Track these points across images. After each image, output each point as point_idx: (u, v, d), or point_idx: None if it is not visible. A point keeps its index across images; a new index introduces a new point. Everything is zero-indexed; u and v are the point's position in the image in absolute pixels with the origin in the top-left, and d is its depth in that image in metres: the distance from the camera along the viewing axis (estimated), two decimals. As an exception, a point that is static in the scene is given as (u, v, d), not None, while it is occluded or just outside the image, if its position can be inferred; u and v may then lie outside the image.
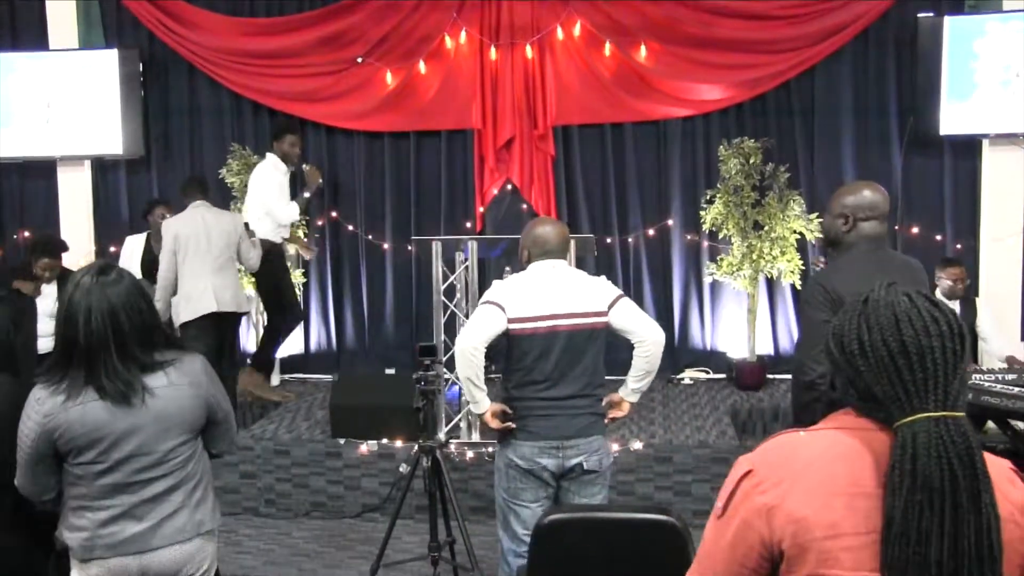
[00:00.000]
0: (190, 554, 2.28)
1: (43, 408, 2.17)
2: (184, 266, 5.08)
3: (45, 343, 5.17)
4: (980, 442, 1.32)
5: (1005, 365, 4.93)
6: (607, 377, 3.21)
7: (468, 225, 6.35)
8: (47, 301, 5.19)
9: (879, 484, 1.32)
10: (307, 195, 5.84)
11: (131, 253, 5.85)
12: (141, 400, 2.19)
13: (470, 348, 3.02)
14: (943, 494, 1.27)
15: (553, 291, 3.09)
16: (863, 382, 1.38)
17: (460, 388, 4.54)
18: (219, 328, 5.12)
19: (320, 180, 5.95)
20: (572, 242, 4.67)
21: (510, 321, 3.04)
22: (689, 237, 6.31)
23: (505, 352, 3.12)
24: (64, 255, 5.28)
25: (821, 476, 1.35)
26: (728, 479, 1.44)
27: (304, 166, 5.92)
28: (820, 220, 3.17)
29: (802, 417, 2.96)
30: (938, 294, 5.26)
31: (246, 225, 5.36)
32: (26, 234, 6.69)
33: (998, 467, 1.38)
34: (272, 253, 5.58)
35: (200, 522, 2.30)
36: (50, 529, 2.34)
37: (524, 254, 3.22)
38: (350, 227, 6.57)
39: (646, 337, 3.09)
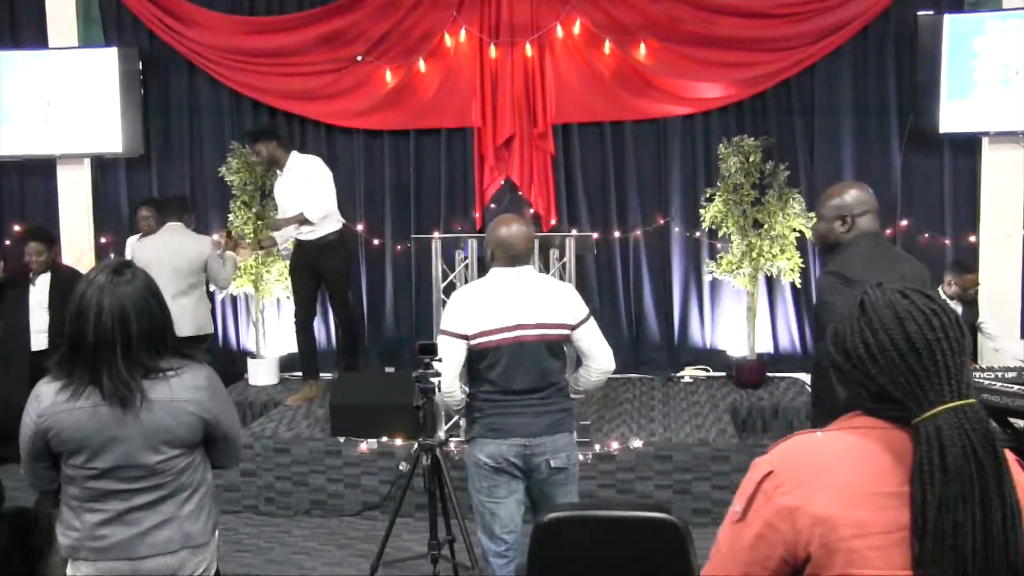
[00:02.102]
0: (177, 565, 2.23)
1: (40, 407, 2.15)
2: None
3: (39, 340, 5.18)
4: (996, 428, 1.33)
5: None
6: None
7: (468, 223, 6.35)
8: (39, 293, 5.19)
9: (902, 482, 1.32)
10: None
11: (128, 253, 5.87)
12: (138, 406, 2.12)
13: (447, 391, 3.16)
14: (973, 483, 1.28)
15: (517, 301, 3.08)
16: (876, 384, 1.38)
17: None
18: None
19: None
20: (571, 242, 4.72)
21: (472, 338, 3.06)
22: (689, 235, 6.31)
23: (471, 362, 3.14)
24: (54, 245, 5.32)
25: (845, 476, 1.35)
26: (746, 481, 1.43)
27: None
28: (813, 227, 3.14)
29: (821, 406, 2.94)
30: (942, 294, 5.27)
31: (229, 234, 5.44)
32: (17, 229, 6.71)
33: (1007, 455, 1.38)
34: (341, 242, 5.67)
35: (189, 535, 2.23)
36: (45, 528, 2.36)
37: (488, 253, 3.22)
38: (349, 225, 6.57)
39: (598, 364, 3.17)
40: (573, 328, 3.12)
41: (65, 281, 5.42)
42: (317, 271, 5.62)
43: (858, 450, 1.37)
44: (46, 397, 2.16)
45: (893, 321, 1.36)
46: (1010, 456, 1.39)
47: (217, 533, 2.37)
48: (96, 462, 2.14)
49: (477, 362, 3.10)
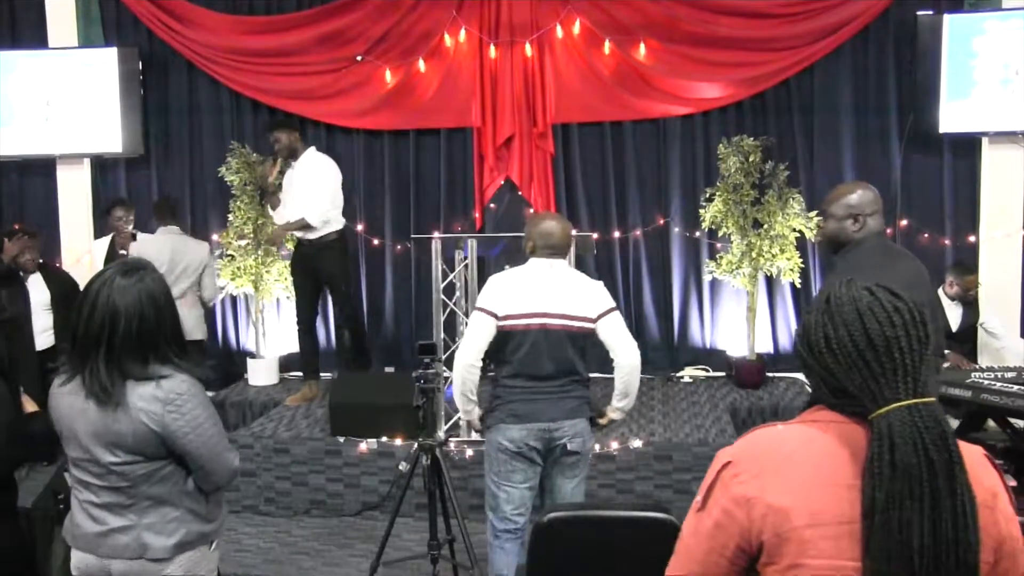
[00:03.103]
0: (139, 571, 2.18)
1: (52, 388, 2.24)
2: None
3: (43, 339, 5.17)
4: (952, 427, 1.35)
5: None
6: (607, 376, 3.27)
7: (468, 223, 6.35)
8: (38, 293, 5.17)
9: (857, 475, 1.35)
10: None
11: (97, 256, 5.87)
12: (114, 408, 2.11)
13: (467, 365, 3.22)
14: (921, 481, 1.30)
15: (547, 290, 3.23)
16: (835, 379, 1.41)
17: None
18: None
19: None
20: (572, 242, 4.71)
21: (501, 319, 3.20)
22: (688, 235, 6.31)
23: (498, 345, 3.26)
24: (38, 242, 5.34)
25: (801, 467, 1.38)
26: (708, 471, 1.47)
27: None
28: (821, 226, 3.19)
29: None
30: (942, 294, 5.27)
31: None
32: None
33: (972, 452, 1.40)
34: (341, 242, 5.65)
35: (146, 546, 2.16)
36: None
37: (528, 244, 3.34)
38: (349, 225, 6.57)
39: (622, 358, 3.25)
40: (595, 321, 3.23)
41: (60, 278, 5.42)
42: (317, 271, 5.62)
43: (816, 443, 1.40)
44: (55, 382, 2.24)
45: (854, 317, 1.39)
46: (976, 453, 1.41)
47: (194, 555, 2.25)
48: (70, 448, 2.22)
49: (503, 344, 3.23)
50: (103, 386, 2.11)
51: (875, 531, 1.30)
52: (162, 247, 5.29)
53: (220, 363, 6.57)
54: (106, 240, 5.89)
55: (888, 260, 3.01)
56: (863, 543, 1.32)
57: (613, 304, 3.30)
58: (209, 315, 6.66)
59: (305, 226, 5.45)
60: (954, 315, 5.29)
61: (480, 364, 3.24)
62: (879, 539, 1.30)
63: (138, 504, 2.17)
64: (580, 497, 3.33)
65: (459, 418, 4.94)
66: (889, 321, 1.37)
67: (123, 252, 5.61)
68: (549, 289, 3.23)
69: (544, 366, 3.19)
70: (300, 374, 6.01)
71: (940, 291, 5.31)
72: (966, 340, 5.41)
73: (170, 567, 2.19)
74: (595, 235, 5.82)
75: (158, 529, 2.18)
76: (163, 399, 2.13)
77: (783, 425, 1.47)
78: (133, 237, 5.69)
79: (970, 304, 5.34)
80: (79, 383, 2.16)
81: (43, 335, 5.18)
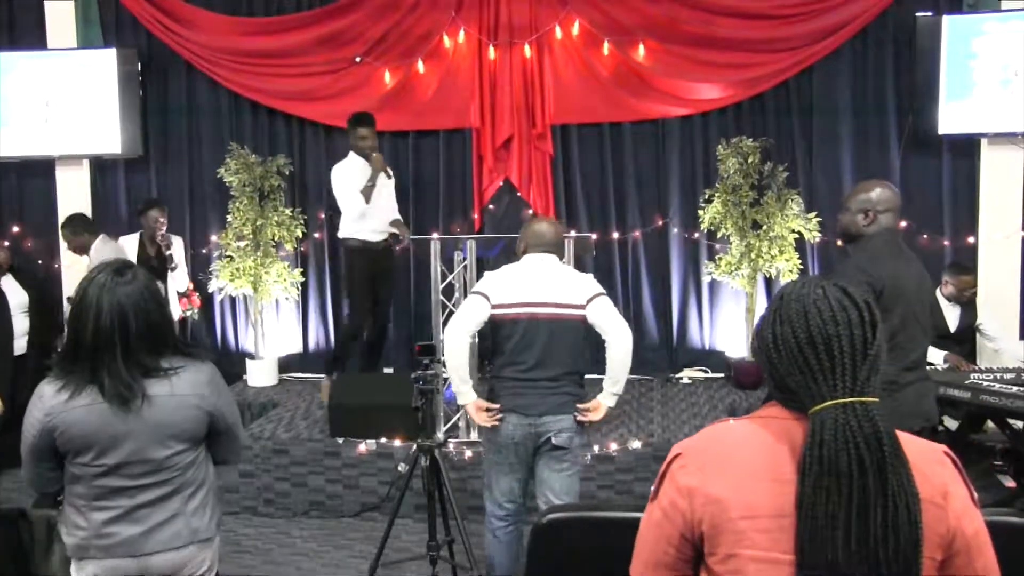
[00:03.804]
0: (184, 560, 2.25)
1: (45, 405, 2.16)
2: None
3: (19, 344, 5.15)
4: (890, 425, 1.36)
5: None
6: (595, 376, 3.31)
7: (467, 224, 6.35)
8: (14, 295, 5.15)
9: (795, 471, 1.37)
10: (369, 183, 5.43)
11: (127, 254, 5.84)
12: (139, 405, 2.15)
13: (454, 334, 3.33)
14: (850, 478, 1.31)
15: (537, 281, 3.36)
16: (778, 374, 1.44)
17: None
18: None
19: (382, 166, 5.51)
20: (571, 243, 4.72)
21: (494, 307, 3.33)
22: (687, 236, 6.31)
23: (491, 335, 3.42)
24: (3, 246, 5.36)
25: (742, 461, 1.41)
26: (663, 464, 1.51)
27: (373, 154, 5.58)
28: (839, 217, 3.36)
29: None
30: (940, 295, 5.27)
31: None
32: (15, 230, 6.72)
33: (926, 450, 1.42)
34: (357, 252, 5.56)
35: (196, 530, 2.26)
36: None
37: (521, 246, 3.49)
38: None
39: (613, 339, 3.31)
40: (584, 306, 3.31)
41: (31, 281, 5.39)
42: (382, 273, 5.68)
43: (757, 438, 1.43)
44: (48, 396, 2.17)
45: (799, 314, 1.41)
46: (932, 451, 1.42)
47: (219, 531, 2.39)
48: (104, 459, 2.16)
49: (497, 333, 3.38)
50: (126, 384, 2.14)
51: (802, 524, 1.33)
52: (118, 253, 5.29)
53: (219, 364, 6.55)
54: (134, 237, 5.85)
55: (901, 255, 3.20)
56: (794, 537, 1.34)
57: (603, 290, 3.39)
58: (208, 316, 6.69)
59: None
60: (952, 316, 5.29)
61: (468, 340, 3.35)
62: (805, 533, 1.32)
63: (181, 492, 2.25)
64: (571, 489, 3.38)
65: (458, 419, 4.95)
66: (832, 319, 1.39)
67: (169, 252, 5.62)
68: (539, 280, 3.36)
69: (534, 356, 3.29)
70: (298, 374, 6.01)
71: (938, 292, 5.31)
72: (965, 341, 5.41)
73: (212, 547, 2.32)
74: (594, 236, 5.82)
75: (201, 511, 2.28)
76: (206, 381, 2.27)
77: (734, 420, 1.51)
78: (169, 238, 5.70)
79: (968, 305, 5.34)
80: (94, 392, 2.14)
81: (19, 340, 5.14)
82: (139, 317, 2.16)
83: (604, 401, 3.39)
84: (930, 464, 1.39)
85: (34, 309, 5.13)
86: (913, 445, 1.39)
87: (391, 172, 5.63)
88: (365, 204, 5.42)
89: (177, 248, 5.85)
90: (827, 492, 1.31)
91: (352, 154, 5.59)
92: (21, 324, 5.14)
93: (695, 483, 1.42)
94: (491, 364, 3.47)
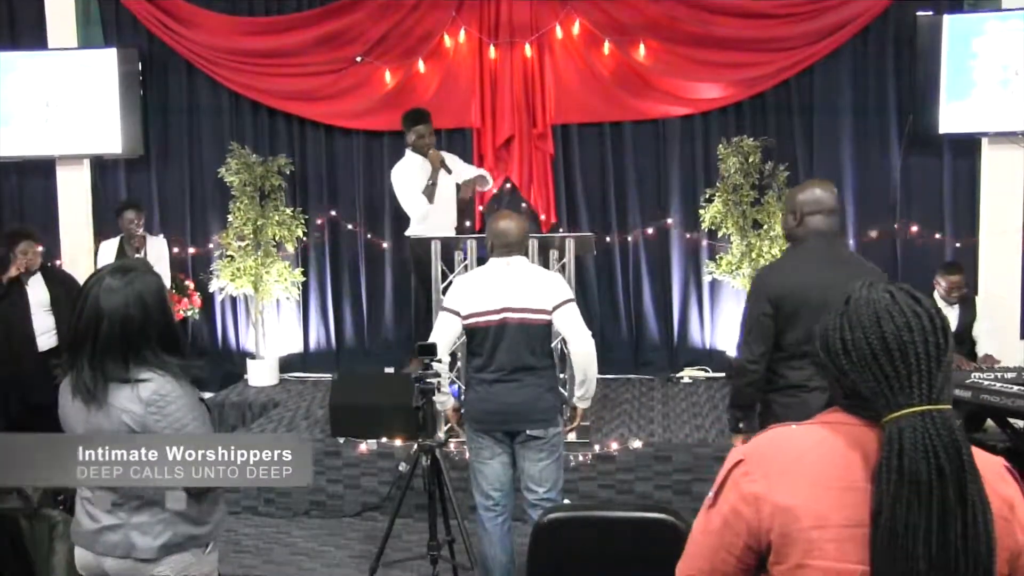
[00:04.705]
0: (130, 570, 2.19)
1: (60, 399, 2.26)
2: None
3: (45, 340, 5.16)
4: (967, 436, 1.33)
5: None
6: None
7: (467, 224, 6.34)
8: (38, 294, 5.16)
9: (867, 479, 1.34)
10: (430, 182, 5.33)
11: (105, 259, 5.83)
12: (96, 410, 2.15)
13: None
14: (930, 488, 1.28)
15: (505, 287, 3.44)
16: (849, 381, 1.40)
17: (459, 387, 4.58)
18: None
19: (440, 163, 5.37)
20: (571, 242, 4.72)
21: (465, 318, 3.45)
22: (688, 236, 6.30)
23: (468, 341, 3.55)
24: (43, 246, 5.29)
25: (811, 468, 1.37)
26: (721, 469, 1.47)
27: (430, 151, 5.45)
28: None
29: (737, 401, 3.24)
30: (936, 297, 5.26)
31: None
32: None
33: (990, 463, 1.38)
34: (426, 250, 5.07)
35: (133, 545, 2.17)
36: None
37: (488, 244, 3.57)
38: (349, 226, 6.57)
39: (575, 347, 3.43)
40: (551, 312, 3.42)
41: (61, 279, 5.41)
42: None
43: (826, 445, 1.39)
44: (62, 390, 2.26)
45: (871, 320, 1.37)
46: (995, 464, 1.39)
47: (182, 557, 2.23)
48: None
49: (470, 340, 3.51)
50: (87, 386, 2.14)
51: (879, 535, 1.29)
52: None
53: (220, 364, 6.57)
54: (114, 242, 5.85)
55: (831, 262, 2.99)
56: (869, 547, 1.31)
57: (570, 296, 3.49)
58: (209, 316, 6.69)
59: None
60: (951, 316, 5.29)
61: (446, 358, 3.52)
62: (883, 543, 1.29)
63: (127, 504, 2.18)
64: (550, 478, 3.47)
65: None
66: (907, 325, 1.35)
67: (139, 255, 5.60)
68: (508, 286, 3.43)
69: (507, 358, 3.40)
70: (299, 374, 6.03)
71: (935, 293, 5.31)
72: (964, 341, 5.40)
73: (158, 568, 2.19)
74: (595, 235, 5.81)
75: (145, 529, 2.17)
76: (145, 400, 2.13)
77: (797, 425, 1.47)
78: (143, 240, 5.70)
79: (967, 304, 5.33)
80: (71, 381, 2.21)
81: (43, 337, 5.16)
82: (113, 323, 2.12)
83: (577, 404, 3.57)
84: (994, 478, 1.36)
85: (60, 304, 5.15)
86: (979, 457, 1.35)
87: (450, 167, 5.47)
88: (429, 204, 5.30)
89: (156, 249, 5.84)
90: (907, 502, 1.28)
91: (409, 152, 5.49)
92: (46, 321, 5.16)
93: (761, 491, 1.38)
94: (467, 364, 3.59)
